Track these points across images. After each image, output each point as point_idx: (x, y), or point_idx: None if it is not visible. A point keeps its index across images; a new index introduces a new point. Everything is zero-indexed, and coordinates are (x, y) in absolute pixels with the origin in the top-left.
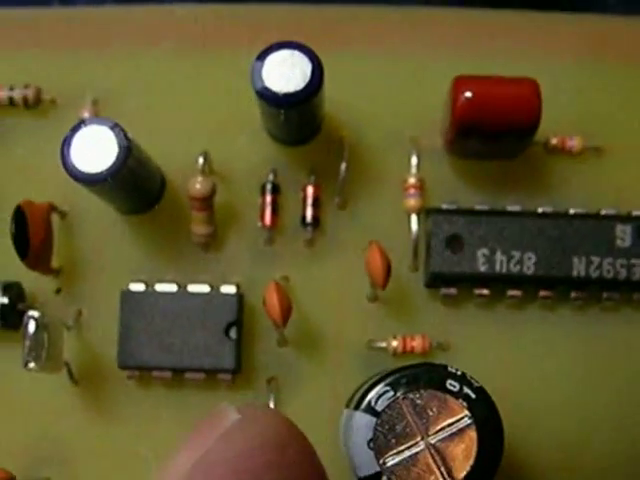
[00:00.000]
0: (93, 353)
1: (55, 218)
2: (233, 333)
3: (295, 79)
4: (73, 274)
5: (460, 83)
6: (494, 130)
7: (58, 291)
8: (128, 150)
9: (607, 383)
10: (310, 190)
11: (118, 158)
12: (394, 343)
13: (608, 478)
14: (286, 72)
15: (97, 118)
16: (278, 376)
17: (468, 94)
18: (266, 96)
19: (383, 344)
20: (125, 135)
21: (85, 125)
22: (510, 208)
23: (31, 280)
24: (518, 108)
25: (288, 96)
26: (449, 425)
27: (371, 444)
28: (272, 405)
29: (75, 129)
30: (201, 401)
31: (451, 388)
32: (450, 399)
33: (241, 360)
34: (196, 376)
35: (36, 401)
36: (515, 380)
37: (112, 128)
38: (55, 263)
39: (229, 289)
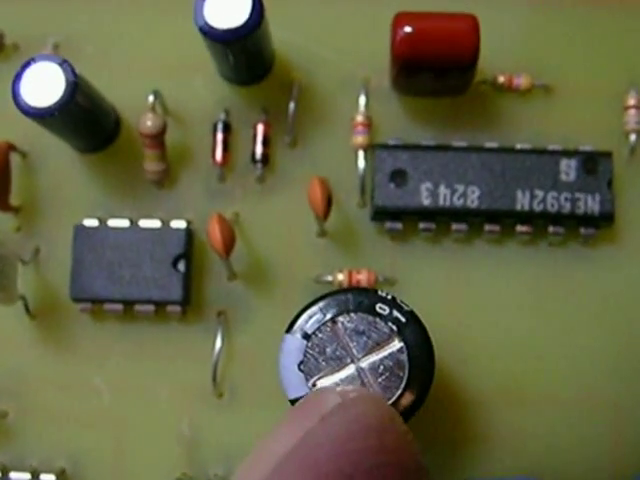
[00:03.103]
0: (49, 288)
1: (16, 158)
2: (181, 266)
3: (236, 15)
4: (32, 212)
5: (400, 19)
6: (433, 65)
7: (18, 229)
8: (75, 85)
9: (553, 318)
10: (260, 128)
11: (65, 93)
12: (340, 277)
13: (552, 414)
14: (227, 8)
15: (46, 55)
16: (228, 310)
17: (407, 29)
18: (208, 33)
19: (329, 278)
20: (73, 71)
21: (35, 62)
22: (457, 144)
23: None
24: (456, 43)
25: (229, 32)
26: (379, 348)
27: (301, 366)
28: (220, 339)
29: (25, 65)
30: (152, 334)
31: (381, 312)
32: (380, 322)
33: (191, 294)
34: (146, 308)
35: None
36: (462, 314)
37: (60, 64)
38: (15, 201)
39: (179, 224)
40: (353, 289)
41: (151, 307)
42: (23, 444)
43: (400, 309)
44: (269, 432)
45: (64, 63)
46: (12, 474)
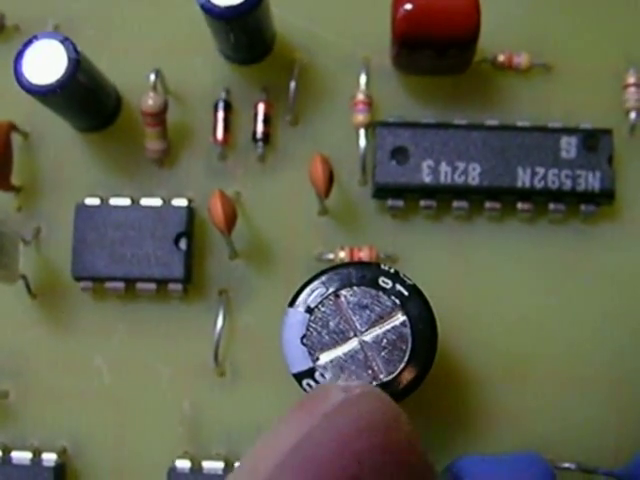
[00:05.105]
0: (50, 267)
1: (17, 138)
2: (183, 244)
3: None
4: (33, 192)
5: None
6: (434, 42)
7: (19, 209)
8: (77, 63)
9: (553, 294)
10: (261, 107)
11: (68, 70)
12: (341, 254)
13: (553, 390)
14: None
15: (48, 32)
16: (229, 288)
17: (408, 7)
18: (209, 9)
19: (331, 255)
20: (75, 48)
21: (37, 39)
22: (458, 122)
23: None
24: (456, 20)
25: (230, 9)
26: (382, 322)
27: (304, 340)
28: (221, 317)
29: (27, 43)
30: (154, 313)
31: (384, 285)
32: (383, 296)
33: (192, 272)
34: (148, 286)
35: None
36: (463, 291)
37: (62, 42)
38: (16, 181)
39: (180, 202)
40: (356, 263)
41: (152, 285)
42: (24, 423)
43: (403, 283)
44: (271, 428)
45: (66, 41)
46: (14, 453)
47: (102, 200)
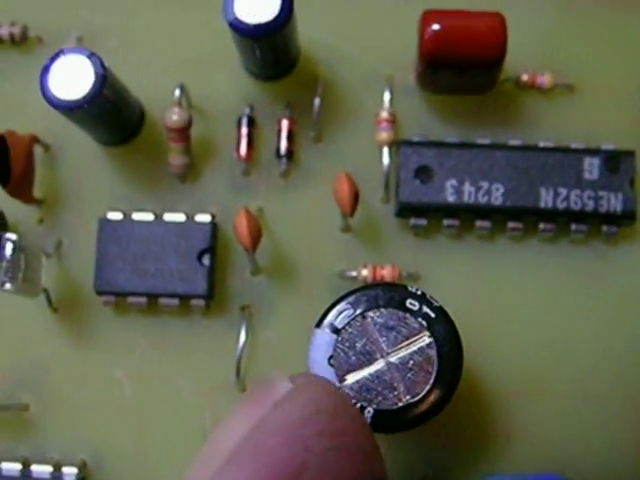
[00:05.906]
0: (72, 281)
1: (39, 151)
2: (206, 260)
3: (266, 10)
4: (55, 204)
5: (428, 17)
6: (461, 62)
7: (41, 221)
8: (104, 78)
9: (575, 314)
10: (285, 124)
11: (95, 86)
12: (364, 272)
13: (575, 410)
14: (256, 3)
15: (75, 48)
16: (251, 304)
17: (436, 27)
18: (237, 27)
19: (354, 273)
20: (102, 64)
21: (64, 54)
22: (480, 142)
23: (14, 211)
24: (484, 40)
25: (259, 27)
26: (409, 343)
27: (331, 361)
28: (243, 333)
29: (54, 58)
30: (176, 327)
31: (411, 307)
32: (410, 318)
33: (215, 287)
34: (170, 302)
35: (16, 328)
36: (485, 311)
37: (89, 57)
38: (38, 194)
39: (204, 218)
40: (383, 284)
41: (175, 301)
42: (44, 437)
43: (430, 305)
44: (222, 421)
45: (92, 56)
46: (34, 467)
47: (125, 215)
